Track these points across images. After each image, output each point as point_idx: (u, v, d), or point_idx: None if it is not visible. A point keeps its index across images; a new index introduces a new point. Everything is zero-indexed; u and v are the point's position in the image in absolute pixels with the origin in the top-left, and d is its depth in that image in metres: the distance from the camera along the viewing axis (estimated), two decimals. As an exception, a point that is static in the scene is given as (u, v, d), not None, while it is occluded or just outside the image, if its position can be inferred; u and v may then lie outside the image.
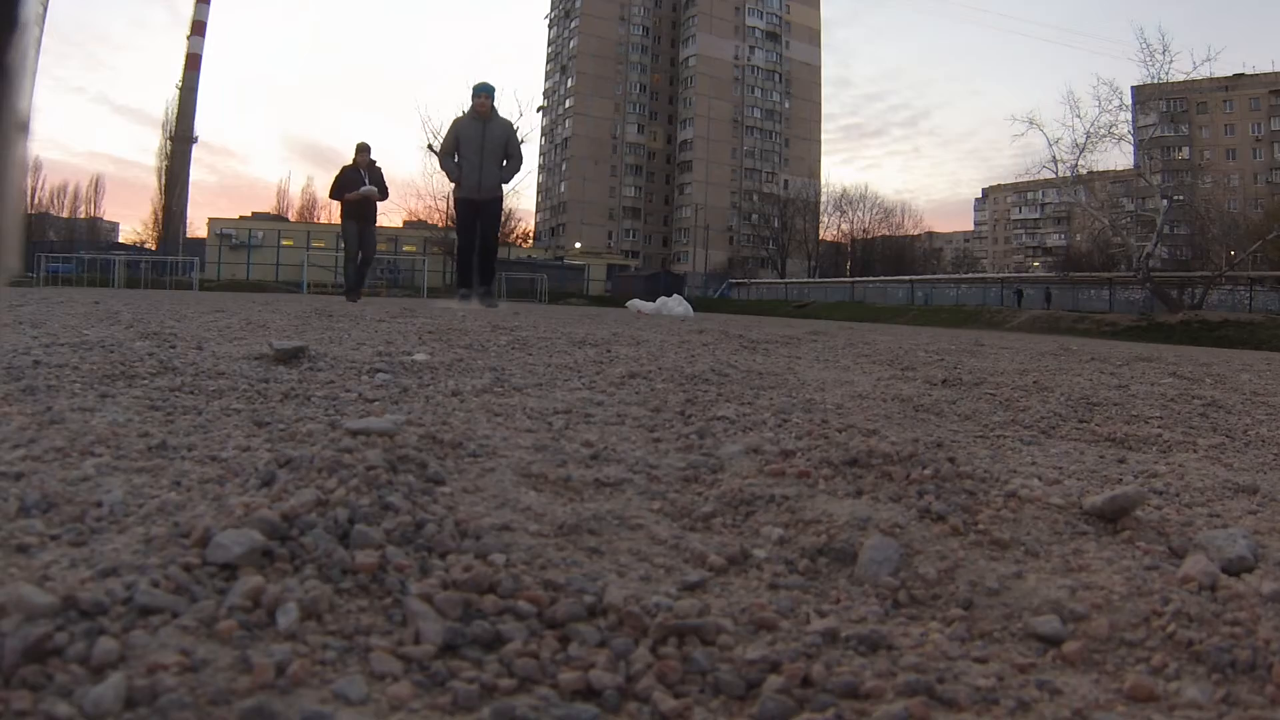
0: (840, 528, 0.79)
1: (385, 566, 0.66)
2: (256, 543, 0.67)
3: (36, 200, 68.84)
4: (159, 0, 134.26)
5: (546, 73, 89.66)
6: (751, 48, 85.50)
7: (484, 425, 1.12)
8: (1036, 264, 69.91)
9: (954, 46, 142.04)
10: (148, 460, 0.91)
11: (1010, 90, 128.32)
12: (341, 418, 1.13)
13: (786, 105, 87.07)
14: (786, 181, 79.90)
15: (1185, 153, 66.37)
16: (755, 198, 79.78)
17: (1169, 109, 53.73)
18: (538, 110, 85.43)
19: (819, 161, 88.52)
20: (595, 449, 1.04)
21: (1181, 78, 29.88)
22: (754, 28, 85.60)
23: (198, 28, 66.38)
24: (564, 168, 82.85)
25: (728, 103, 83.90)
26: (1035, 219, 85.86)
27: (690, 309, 6.88)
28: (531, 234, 66.90)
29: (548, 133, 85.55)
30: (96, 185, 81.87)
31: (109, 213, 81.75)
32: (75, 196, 75.59)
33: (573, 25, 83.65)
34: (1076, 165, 29.27)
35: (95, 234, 69.95)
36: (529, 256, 53.25)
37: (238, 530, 0.68)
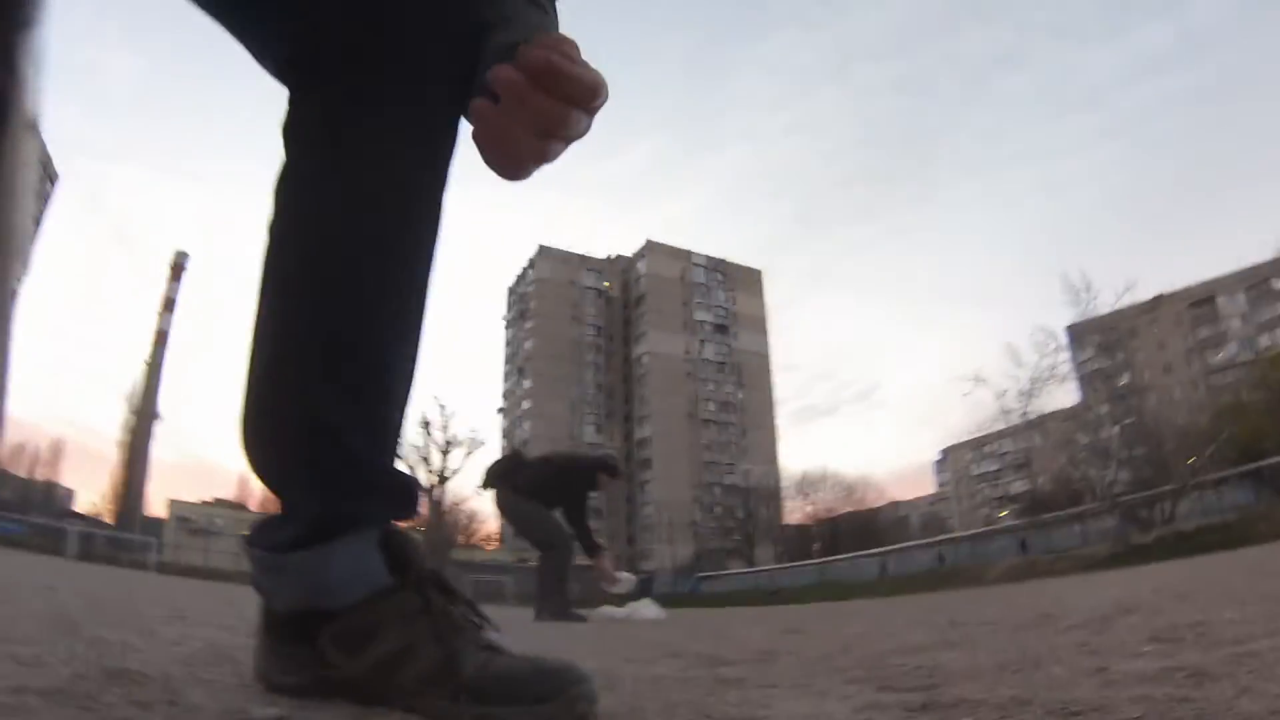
0: None
1: None
2: None
3: (-8, 457, 64.68)
4: (132, 266, 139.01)
5: (505, 374, 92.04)
6: (702, 341, 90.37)
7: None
8: (1004, 513, 70.18)
9: (891, 318, 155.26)
10: None
11: (953, 349, 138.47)
12: None
13: (740, 395, 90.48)
14: (748, 471, 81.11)
15: (1126, 377, 70.27)
16: (717, 490, 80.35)
17: (1103, 339, 57.59)
18: (498, 411, 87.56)
19: (776, 447, 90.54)
20: None
21: (1108, 310, 32.44)
22: (703, 321, 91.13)
23: (168, 304, 67.08)
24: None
25: (682, 397, 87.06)
26: (996, 470, 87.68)
27: (661, 612, 6.66)
28: (498, 536, 65.40)
29: (508, 435, 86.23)
30: (56, 449, 75.33)
31: (66, 479, 77.28)
32: (33, 457, 69.90)
33: (527, 326, 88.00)
34: (1026, 411, 30.65)
35: (51, 498, 65.15)
36: (495, 559, 52.12)
37: None
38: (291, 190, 1.03)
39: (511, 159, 0.84)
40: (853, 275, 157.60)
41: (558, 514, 6.58)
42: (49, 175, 74.46)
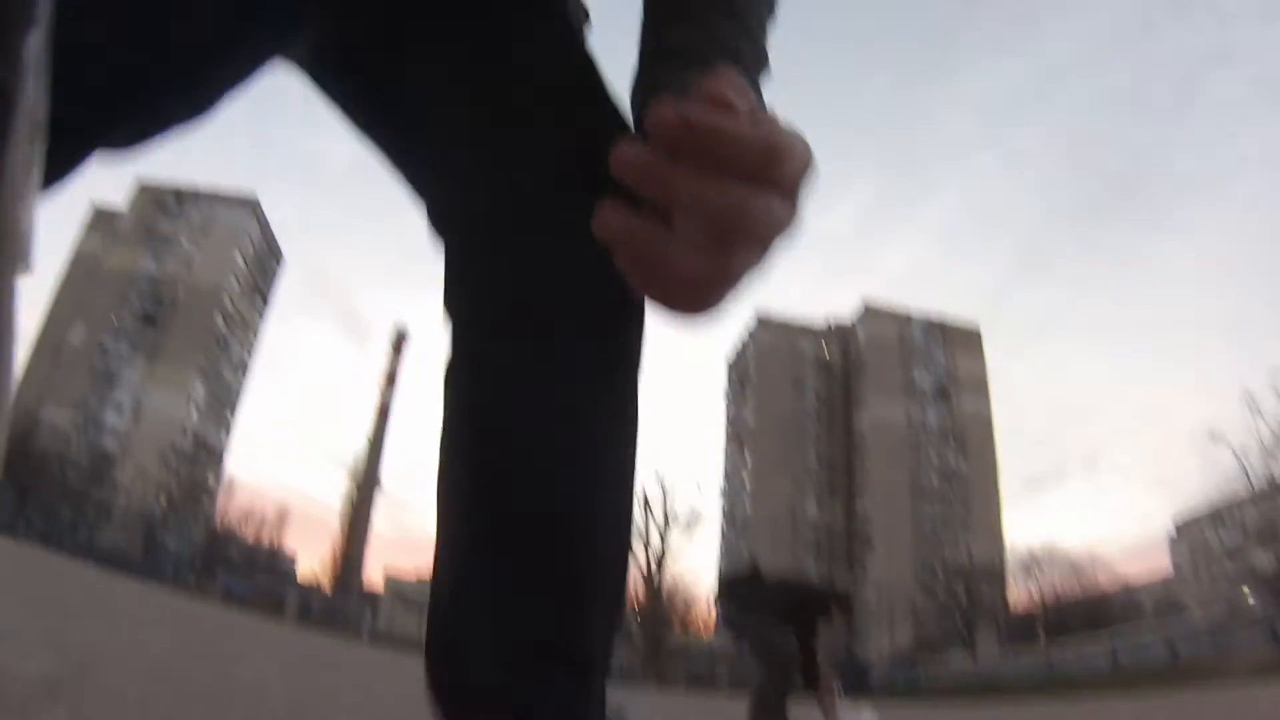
0: None
1: None
2: None
3: (222, 520, 67.86)
4: (358, 344, 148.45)
5: (725, 451, 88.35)
6: (922, 407, 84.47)
7: None
8: (1249, 594, 59.66)
9: (1119, 370, 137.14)
10: None
11: (1187, 400, 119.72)
12: None
13: (963, 465, 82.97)
14: (970, 550, 74.41)
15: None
16: (939, 569, 73.80)
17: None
18: (720, 493, 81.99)
19: (1002, 521, 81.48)
20: None
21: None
22: (923, 387, 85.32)
23: (390, 379, 68.57)
24: (743, 553, 77.05)
25: (904, 469, 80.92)
26: (1237, 545, 75.33)
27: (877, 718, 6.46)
28: (714, 622, 63.52)
29: (727, 515, 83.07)
30: (282, 515, 79.76)
31: (289, 544, 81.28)
32: (260, 521, 74.05)
33: (748, 400, 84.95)
34: (1271, 471, 26.48)
35: (274, 562, 70.19)
36: (711, 644, 50.28)
37: None
38: (459, 391, 0.85)
39: (677, 287, 0.46)
40: (1076, 322, 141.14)
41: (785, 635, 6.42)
42: (273, 254, 77.57)
